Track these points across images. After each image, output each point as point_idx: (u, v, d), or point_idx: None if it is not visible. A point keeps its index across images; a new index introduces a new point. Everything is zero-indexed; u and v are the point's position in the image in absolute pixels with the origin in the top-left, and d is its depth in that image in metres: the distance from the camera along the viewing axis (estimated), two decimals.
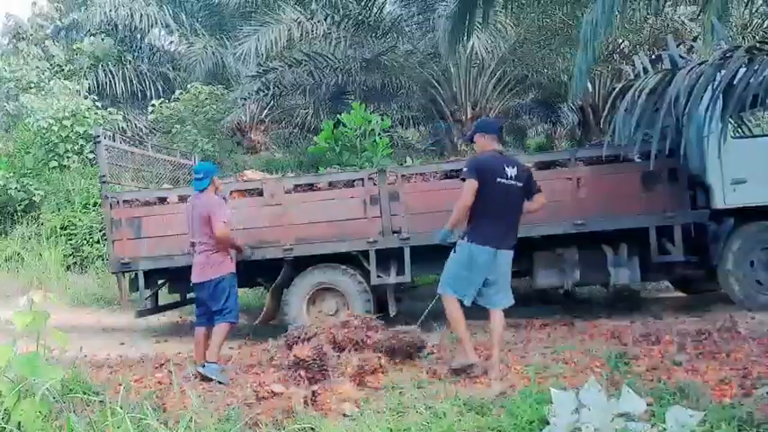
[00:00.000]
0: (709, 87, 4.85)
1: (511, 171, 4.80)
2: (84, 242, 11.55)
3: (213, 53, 16.10)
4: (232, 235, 5.75)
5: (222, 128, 15.26)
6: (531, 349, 5.51)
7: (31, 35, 20.02)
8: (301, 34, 12.07)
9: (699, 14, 8.38)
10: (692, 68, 5.02)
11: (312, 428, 3.75)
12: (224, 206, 5.72)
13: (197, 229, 5.61)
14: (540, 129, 21.66)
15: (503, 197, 4.77)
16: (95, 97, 14.62)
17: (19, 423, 3.33)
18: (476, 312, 5.07)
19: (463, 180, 4.84)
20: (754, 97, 4.81)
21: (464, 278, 4.83)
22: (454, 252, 4.94)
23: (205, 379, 5.30)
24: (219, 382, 5.16)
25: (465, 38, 8.46)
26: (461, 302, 4.90)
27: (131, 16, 16.53)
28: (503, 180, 4.76)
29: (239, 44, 12.70)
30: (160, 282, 7.56)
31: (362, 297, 6.88)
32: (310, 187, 7.09)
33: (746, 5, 6.16)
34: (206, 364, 5.40)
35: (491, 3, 7.52)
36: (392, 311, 6.93)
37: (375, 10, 12.14)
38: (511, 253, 4.95)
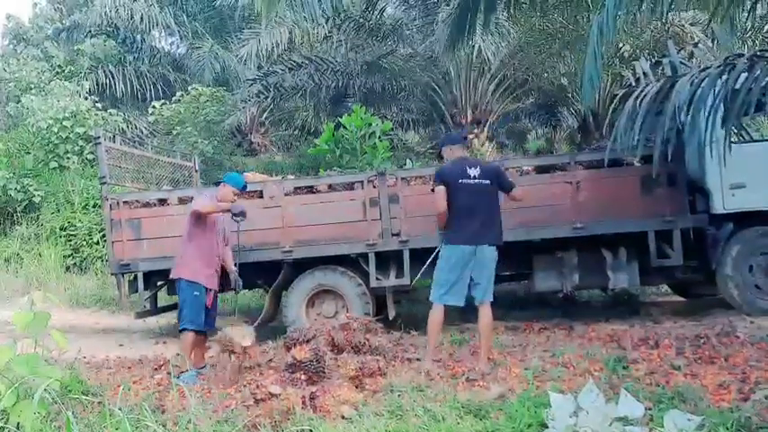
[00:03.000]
0: (710, 94, 4.87)
1: (473, 171, 5.12)
2: (84, 243, 11.55)
3: (217, 56, 16.12)
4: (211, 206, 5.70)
5: (222, 130, 15.26)
6: (530, 352, 5.52)
7: (32, 36, 20.04)
8: (302, 37, 12.09)
9: (709, 21, 8.38)
10: (693, 75, 5.05)
11: (311, 430, 3.75)
12: (208, 198, 5.86)
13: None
14: (539, 132, 21.65)
15: (469, 197, 5.07)
16: (96, 98, 14.63)
17: (18, 423, 3.32)
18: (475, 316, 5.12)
19: (433, 191, 5.22)
20: (755, 103, 4.83)
21: (446, 281, 5.11)
22: (439, 260, 5.23)
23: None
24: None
25: (464, 42, 8.48)
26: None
27: (132, 17, 16.53)
28: (465, 180, 5.09)
29: (241, 46, 12.73)
30: (159, 283, 7.56)
31: (362, 299, 6.89)
32: (310, 189, 7.10)
33: (749, 12, 6.19)
34: (180, 374, 5.38)
35: (493, 8, 7.52)
36: (391, 314, 6.94)
37: (376, 13, 12.16)
38: (493, 250, 5.11)
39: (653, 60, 9.07)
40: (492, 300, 5.15)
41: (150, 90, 17.38)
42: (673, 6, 5.95)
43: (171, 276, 5.70)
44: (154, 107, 15.24)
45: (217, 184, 5.90)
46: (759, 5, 6.16)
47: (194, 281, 5.59)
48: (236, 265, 6.05)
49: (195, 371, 5.43)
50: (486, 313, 5.10)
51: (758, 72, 4.68)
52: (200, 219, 5.61)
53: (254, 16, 14.35)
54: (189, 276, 5.58)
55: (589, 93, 5.97)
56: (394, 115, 15.64)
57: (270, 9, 7.59)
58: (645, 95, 5.32)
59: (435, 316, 5.17)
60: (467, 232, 5.04)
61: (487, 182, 5.12)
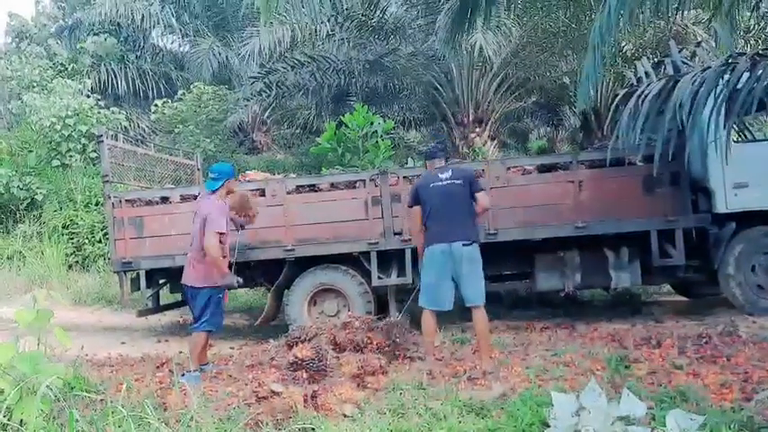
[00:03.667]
0: (713, 93, 4.87)
1: (444, 175, 5.24)
2: (86, 241, 11.57)
3: (219, 53, 16.12)
4: (221, 249, 5.38)
5: (224, 128, 15.27)
6: (532, 352, 5.51)
7: (35, 34, 20.05)
8: (304, 35, 12.09)
9: (709, 20, 8.37)
10: (695, 74, 5.04)
11: (313, 429, 3.76)
12: (224, 214, 5.52)
13: (196, 231, 5.48)
14: (541, 131, 21.65)
15: (440, 197, 5.17)
16: (98, 96, 14.64)
17: (21, 421, 3.33)
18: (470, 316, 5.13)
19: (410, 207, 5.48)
20: (757, 102, 4.82)
21: (428, 284, 5.20)
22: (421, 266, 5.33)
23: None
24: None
25: (465, 36, 8.41)
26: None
27: (132, 16, 16.56)
28: (435, 184, 5.21)
29: (243, 45, 12.73)
30: (161, 281, 7.59)
31: (363, 298, 6.89)
32: (312, 188, 7.10)
33: (752, 11, 6.17)
34: (185, 373, 5.39)
35: (493, 1, 7.46)
36: (393, 313, 6.94)
37: (378, 12, 12.15)
38: (469, 248, 5.08)
39: (655, 60, 9.05)
40: (482, 303, 5.10)
41: (152, 88, 17.42)
42: (676, 6, 5.93)
43: (196, 286, 5.47)
44: (156, 105, 15.25)
45: (213, 179, 5.67)
46: (762, 4, 6.14)
47: (218, 285, 5.55)
48: (233, 264, 6.00)
49: (199, 371, 5.43)
50: (478, 317, 5.09)
51: (760, 71, 4.67)
52: None
53: (257, 14, 14.34)
54: (214, 283, 5.51)
55: (586, 91, 5.95)
56: (396, 114, 15.65)
57: (268, 7, 7.55)
58: (647, 95, 5.31)
59: (425, 320, 5.24)
60: (438, 231, 5.13)
61: (459, 182, 5.17)
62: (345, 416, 4.01)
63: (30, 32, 20.19)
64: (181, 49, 19.16)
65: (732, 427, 3.29)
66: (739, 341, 5.27)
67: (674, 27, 11.42)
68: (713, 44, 11.00)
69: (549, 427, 3.46)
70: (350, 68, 13.32)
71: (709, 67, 5.04)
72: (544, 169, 6.87)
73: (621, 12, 5.29)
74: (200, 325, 5.51)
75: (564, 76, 12.94)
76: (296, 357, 4.70)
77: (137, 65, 17.92)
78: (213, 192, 5.59)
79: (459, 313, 6.37)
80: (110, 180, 7.38)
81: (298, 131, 18.21)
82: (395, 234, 6.85)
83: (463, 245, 5.05)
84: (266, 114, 17.13)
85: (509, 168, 6.87)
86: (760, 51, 5.20)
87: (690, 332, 5.70)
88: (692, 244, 6.69)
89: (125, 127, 14.76)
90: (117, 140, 8.06)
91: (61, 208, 12.12)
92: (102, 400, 4.09)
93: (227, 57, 16.30)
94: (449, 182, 5.18)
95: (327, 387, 4.37)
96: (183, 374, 5.35)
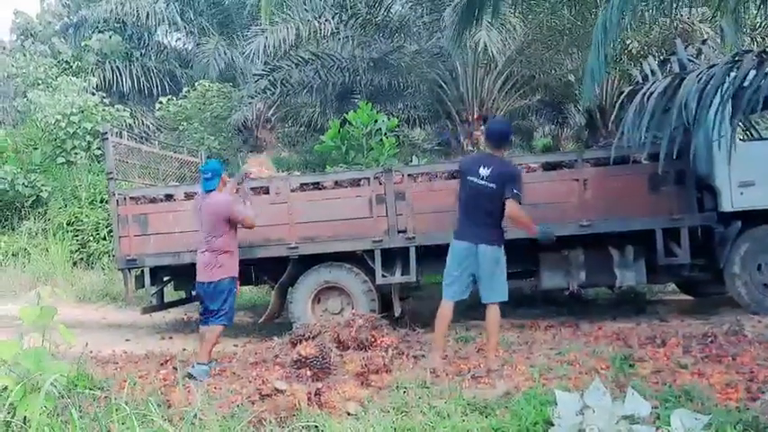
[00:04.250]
0: (719, 91, 4.84)
1: (484, 171, 5.01)
2: (91, 238, 11.60)
3: (224, 53, 16.13)
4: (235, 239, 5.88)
5: (229, 126, 15.28)
6: (536, 350, 5.50)
7: (40, 32, 20.09)
8: (309, 33, 12.08)
9: (712, 17, 8.34)
10: (701, 72, 5.02)
11: (316, 427, 3.76)
12: (238, 201, 5.95)
13: (208, 229, 5.60)
14: (546, 130, 21.59)
15: (471, 196, 5.08)
16: (103, 94, 14.67)
17: (24, 418, 3.34)
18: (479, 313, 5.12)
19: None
20: (764, 100, 4.80)
21: (446, 274, 5.20)
22: None
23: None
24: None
25: (472, 31, 8.35)
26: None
27: (137, 13, 16.59)
28: (473, 179, 5.05)
29: (248, 43, 12.73)
30: (166, 279, 7.60)
31: (367, 296, 6.88)
32: (316, 186, 7.09)
33: (758, 8, 6.14)
34: (195, 364, 5.43)
35: None
36: (397, 311, 6.94)
37: (383, 10, 12.14)
38: (492, 249, 5.02)
39: (661, 58, 9.01)
40: (500, 301, 5.07)
41: (157, 86, 17.43)
42: (678, 3, 5.89)
43: (215, 279, 5.59)
44: (161, 103, 15.27)
45: (208, 179, 5.74)
46: None
47: (236, 276, 5.74)
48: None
49: (207, 366, 5.46)
50: (491, 313, 5.07)
51: (767, 69, 4.65)
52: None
53: (260, 11, 14.35)
54: (236, 273, 5.73)
55: (591, 89, 5.91)
56: (400, 112, 15.62)
57: (268, 6, 7.54)
58: (652, 92, 5.29)
59: (441, 313, 5.18)
60: (464, 228, 5.11)
61: (492, 185, 4.94)
62: (349, 414, 4.02)
63: (35, 30, 20.24)
64: (185, 46, 19.17)
65: (737, 426, 3.29)
66: (745, 340, 5.26)
67: (680, 25, 11.37)
68: (719, 42, 10.96)
69: (553, 425, 3.45)
70: (354, 66, 13.30)
71: (716, 65, 5.02)
72: (549, 167, 6.84)
73: (625, 9, 5.26)
74: (217, 318, 5.60)
75: (569, 73, 12.89)
76: (300, 355, 4.70)
77: (141, 62, 17.94)
78: (210, 192, 5.69)
79: (464, 312, 6.37)
80: (114, 177, 7.39)
81: (302, 129, 18.20)
82: (399, 232, 6.83)
83: (487, 246, 5.00)
84: (271, 112, 17.10)
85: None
86: (766, 49, 5.18)
87: (695, 331, 5.69)
88: (698, 242, 6.65)
89: (130, 124, 14.77)
90: (121, 138, 8.06)
91: (66, 205, 12.16)
92: (105, 397, 4.11)
93: (231, 55, 16.29)
94: (484, 182, 4.97)
95: (331, 385, 4.37)
96: (192, 366, 5.39)
